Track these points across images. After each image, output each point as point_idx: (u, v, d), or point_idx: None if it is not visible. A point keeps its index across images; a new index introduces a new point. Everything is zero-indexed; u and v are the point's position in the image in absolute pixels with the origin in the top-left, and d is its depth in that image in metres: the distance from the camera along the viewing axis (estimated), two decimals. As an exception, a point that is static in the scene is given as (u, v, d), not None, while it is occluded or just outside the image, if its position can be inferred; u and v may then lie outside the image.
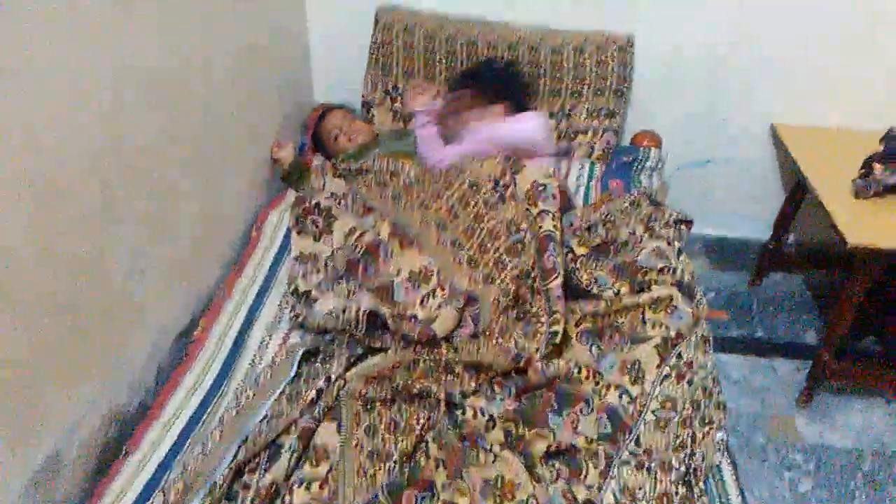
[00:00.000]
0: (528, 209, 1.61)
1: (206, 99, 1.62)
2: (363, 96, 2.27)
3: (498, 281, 1.53)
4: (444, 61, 2.20)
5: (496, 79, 2.05)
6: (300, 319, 1.49)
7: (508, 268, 1.53)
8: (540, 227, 1.56)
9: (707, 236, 2.55)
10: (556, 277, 1.49)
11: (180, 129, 1.50)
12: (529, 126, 1.89)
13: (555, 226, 1.57)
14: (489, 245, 1.57)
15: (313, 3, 2.25)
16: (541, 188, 1.63)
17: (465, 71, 2.15)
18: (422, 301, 1.48)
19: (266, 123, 2.02)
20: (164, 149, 1.44)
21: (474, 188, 1.66)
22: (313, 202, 1.78)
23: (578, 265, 1.64)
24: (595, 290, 1.55)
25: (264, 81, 1.99)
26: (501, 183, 1.65)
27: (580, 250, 1.70)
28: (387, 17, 2.19)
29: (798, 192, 2.26)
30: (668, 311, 1.51)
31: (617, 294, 1.54)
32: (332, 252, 1.64)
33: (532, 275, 1.52)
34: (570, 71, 2.16)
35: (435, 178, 1.77)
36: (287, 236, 1.80)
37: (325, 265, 1.61)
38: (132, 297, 1.38)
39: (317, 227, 1.72)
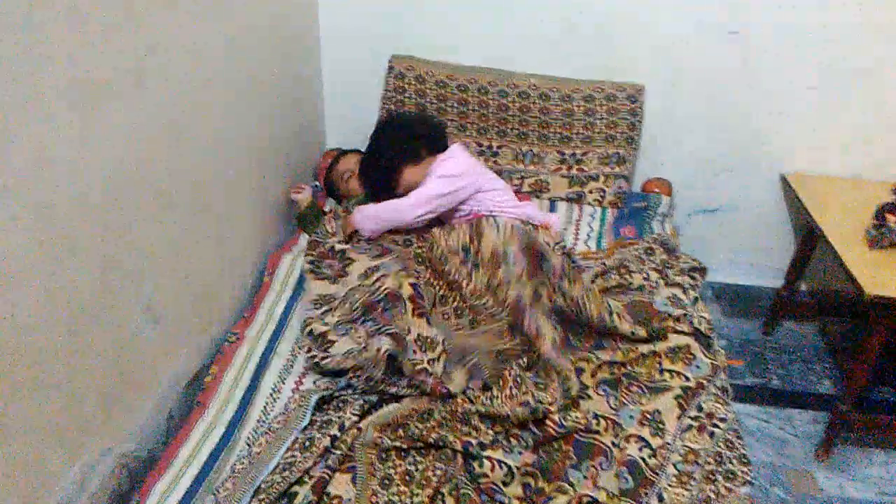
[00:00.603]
0: (488, 281, 1.60)
1: (219, 143, 1.63)
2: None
3: (487, 327, 1.55)
4: (455, 108, 2.23)
5: (394, 142, 1.92)
6: (316, 360, 1.46)
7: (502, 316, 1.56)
8: (506, 296, 1.56)
9: (718, 283, 2.54)
10: (543, 340, 1.48)
11: (192, 174, 1.51)
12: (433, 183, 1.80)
13: (523, 292, 1.55)
14: (481, 307, 1.59)
15: (328, 50, 2.29)
16: (502, 255, 1.62)
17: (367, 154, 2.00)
18: (429, 362, 1.46)
19: (279, 168, 2.04)
20: (175, 193, 1.44)
21: (449, 258, 1.67)
22: (328, 246, 1.78)
23: (588, 298, 1.58)
24: (608, 323, 1.52)
25: (278, 126, 2.01)
26: (471, 251, 1.66)
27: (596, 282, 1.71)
28: (400, 64, 2.23)
29: (810, 240, 2.26)
30: (686, 360, 1.49)
31: (633, 335, 1.52)
32: (349, 292, 1.63)
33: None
34: (582, 118, 2.19)
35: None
36: (300, 281, 1.79)
37: (343, 303, 1.60)
38: (144, 345, 1.36)
39: (333, 270, 1.71)
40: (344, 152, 2.20)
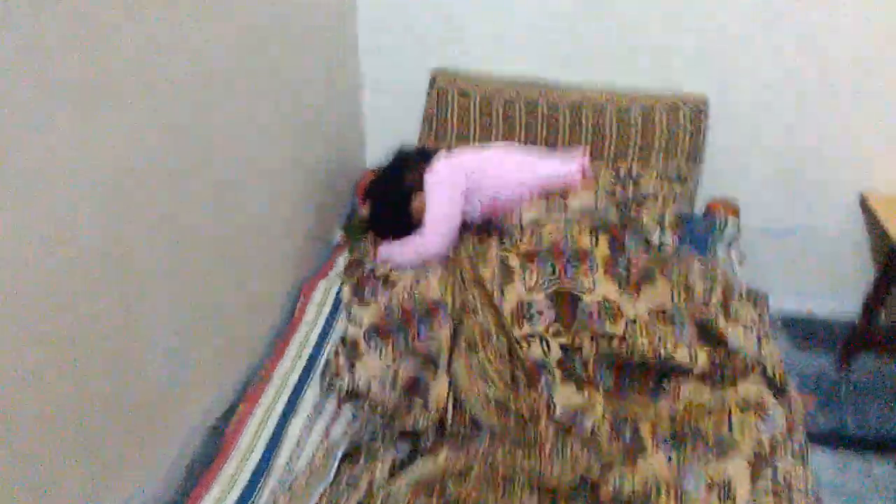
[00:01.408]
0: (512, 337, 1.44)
1: (251, 167, 1.53)
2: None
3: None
4: (501, 125, 2.09)
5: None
6: (330, 382, 1.42)
7: None
8: (527, 355, 1.40)
9: (788, 312, 2.33)
10: (551, 415, 1.32)
11: (218, 203, 1.41)
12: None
13: (547, 349, 1.40)
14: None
15: (368, 65, 2.18)
16: (526, 307, 1.47)
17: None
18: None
19: (315, 190, 1.94)
20: (199, 224, 1.35)
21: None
22: (367, 269, 1.70)
23: (636, 330, 1.43)
24: (664, 354, 1.37)
25: (315, 146, 1.92)
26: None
27: (639, 307, 1.49)
28: (442, 79, 2.10)
29: (892, 266, 2.04)
30: (759, 415, 1.32)
31: (693, 361, 1.37)
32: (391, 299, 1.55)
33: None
34: (639, 133, 2.02)
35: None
36: (335, 308, 1.69)
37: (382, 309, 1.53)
38: (169, 388, 1.27)
39: (375, 294, 1.61)
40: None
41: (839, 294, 2.26)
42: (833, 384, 2.18)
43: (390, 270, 1.66)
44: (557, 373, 1.38)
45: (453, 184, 1.72)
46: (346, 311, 1.64)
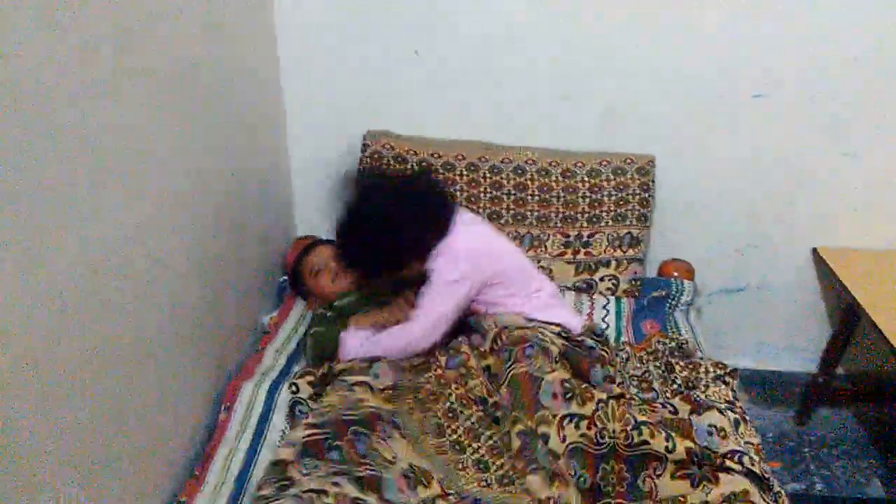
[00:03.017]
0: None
1: (155, 258, 1.30)
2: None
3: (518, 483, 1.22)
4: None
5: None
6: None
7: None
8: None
9: (746, 369, 2.26)
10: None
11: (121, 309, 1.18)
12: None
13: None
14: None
15: (294, 128, 1.99)
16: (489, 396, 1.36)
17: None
18: None
19: (237, 268, 1.69)
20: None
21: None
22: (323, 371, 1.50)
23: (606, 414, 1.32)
24: (635, 439, 1.27)
25: (237, 217, 1.66)
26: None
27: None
28: (376, 143, 1.93)
29: (847, 319, 1.99)
30: None
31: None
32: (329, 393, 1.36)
33: None
34: (587, 195, 1.91)
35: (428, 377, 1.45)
36: (263, 418, 1.46)
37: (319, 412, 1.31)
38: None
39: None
40: (316, 243, 1.89)
41: (795, 349, 2.21)
42: (795, 441, 2.12)
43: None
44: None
45: (466, 278, 1.47)
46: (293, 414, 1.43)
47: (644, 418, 1.31)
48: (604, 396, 1.33)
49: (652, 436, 1.27)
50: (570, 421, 1.29)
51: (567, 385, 1.33)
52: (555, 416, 1.29)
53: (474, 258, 1.50)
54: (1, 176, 0.85)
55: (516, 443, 1.27)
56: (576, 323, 1.57)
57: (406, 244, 1.50)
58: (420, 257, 1.51)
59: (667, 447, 1.26)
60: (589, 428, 1.29)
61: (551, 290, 1.63)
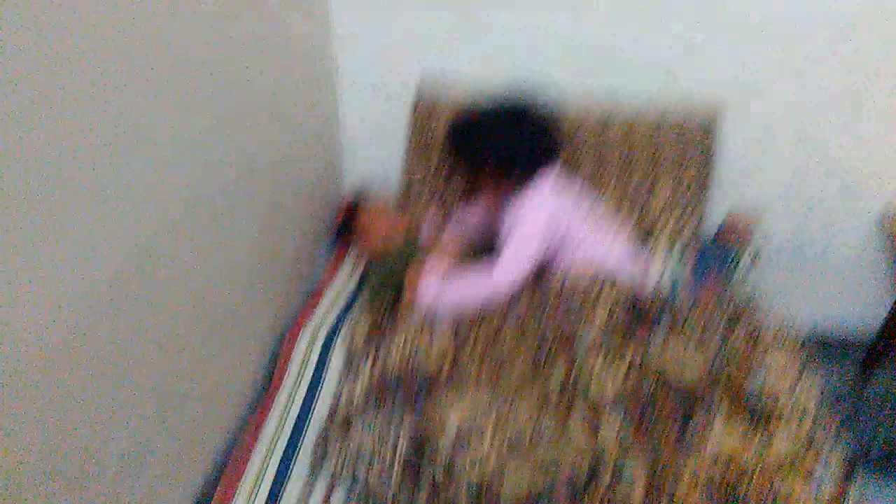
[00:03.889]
0: None
1: (213, 210, 1.30)
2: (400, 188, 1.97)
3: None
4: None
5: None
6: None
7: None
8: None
9: (805, 330, 2.18)
10: None
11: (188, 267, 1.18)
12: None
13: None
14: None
15: (345, 87, 1.97)
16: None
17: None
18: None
19: (289, 226, 1.70)
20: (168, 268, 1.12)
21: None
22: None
23: None
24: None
25: (289, 178, 1.68)
26: None
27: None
28: (427, 92, 1.90)
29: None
30: (805, 476, 1.13)
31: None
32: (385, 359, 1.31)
33: None
34: (645, 150, 1.84)
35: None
36: (319, 367, 1.46)
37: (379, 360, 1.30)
38: (124, 496, 1.03)
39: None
40: (364, 201, 1.88)
41: (857, 311, 2.12)
42: (854, 403, 2.04)
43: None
44: None
45: (553, 218, 1.48)
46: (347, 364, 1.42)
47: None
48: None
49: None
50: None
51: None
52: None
53: (555, 215, 1.50)
54: (73, 153, 0.85)
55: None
56: (640, 280, 1.52)
57: (518, 151, 1.52)
58: (521, 172, 1.52)
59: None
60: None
61: (622, 246, 1.61)
